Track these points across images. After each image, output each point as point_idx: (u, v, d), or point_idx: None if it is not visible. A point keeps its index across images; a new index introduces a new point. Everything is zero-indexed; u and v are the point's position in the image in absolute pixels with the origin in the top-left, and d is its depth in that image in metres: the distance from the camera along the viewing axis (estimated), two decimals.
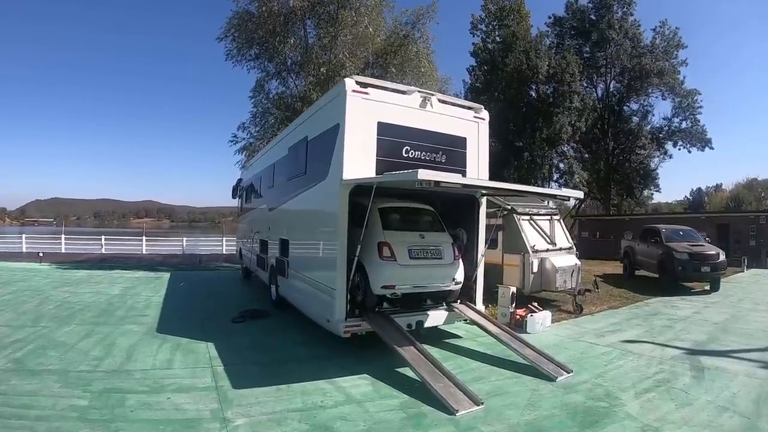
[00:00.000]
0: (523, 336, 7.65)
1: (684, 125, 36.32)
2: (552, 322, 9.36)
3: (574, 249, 12.53)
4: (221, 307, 10.54)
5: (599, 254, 23.89)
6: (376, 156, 6.98)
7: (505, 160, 30.30)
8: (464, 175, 7.62)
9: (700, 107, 35.72)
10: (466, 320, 8.08)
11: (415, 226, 7.72)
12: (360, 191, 6.72)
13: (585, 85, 36.43)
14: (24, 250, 24.13)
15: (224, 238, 27.83)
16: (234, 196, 17.93)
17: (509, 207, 11.40)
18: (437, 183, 5.25)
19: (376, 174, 6.78)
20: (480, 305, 8.30)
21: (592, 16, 36.82)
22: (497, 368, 6.63)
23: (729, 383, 6.10)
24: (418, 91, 7.52)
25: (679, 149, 37.05)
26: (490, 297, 9.24)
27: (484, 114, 8.32)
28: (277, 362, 6.71)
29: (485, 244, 8.42)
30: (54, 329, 8.10)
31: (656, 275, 15.48)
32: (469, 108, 8.23)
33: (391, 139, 7.11)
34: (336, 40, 18.93)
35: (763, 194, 74.11)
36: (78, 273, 16.32)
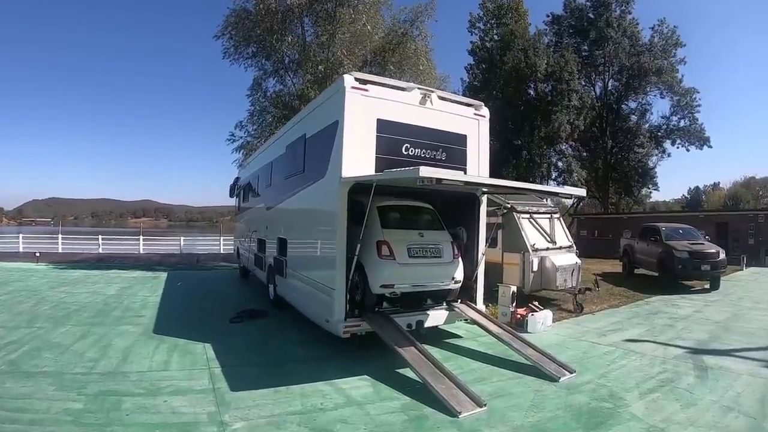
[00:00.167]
0: (525, 336, 7.57)
1: (682, 124, 36.25)
2: (553, 321, 9.28)
3: (574, 248, 12.46)
4: (219, 307, 10.45)
5: (598, 253, 23.88)
6: (376, 154, 6.89)
7: (503, 159, 30.22)
8: (465, 173, 7.53)
9: (699, 106, 35.66)
10: (466, 320, 7.99)
11: (415, 224, 7.64)
12: (359, 189, 6.62)
13: (583, 83, 36.32)
14: (21, 249, 23.96)
15: (222, 238, 27.69)
16: (231, 195, 17.83)
17: (509, 205, 11.32)
18: (439, 180, 5.17)
19: (376, 172, 6.68)
20: (480, 305, 8.22)
21: (591, 15, 36.68)
22: (499, 368, 6.55)
23: (733, 383, 6.05)
24: (418, 88, 7.43)
25: (678, 148, 37.05)
26: (490, 296, 9.16)
27: (485, 111, 8.23)
28: (276, 363, 6.62)
29: (486, 242, 8.34)
30: (49, 330, 8.00)
31: (656, 274, 15.46)
32: (470, 105, 8.14)
33: (391, 137, 7.02)
34: (334, 38, 18.81)
35: (761, 192, 74.20)
36: (75, 273, 16.21)
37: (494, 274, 10.37)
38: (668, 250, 14.47)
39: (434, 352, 6.58)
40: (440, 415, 4.87)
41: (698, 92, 35.62)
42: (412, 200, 7.88)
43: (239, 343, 7.53)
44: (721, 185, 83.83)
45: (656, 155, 38.23)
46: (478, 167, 8.00)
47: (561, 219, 12.94)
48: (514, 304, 9.15)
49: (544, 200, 12.98)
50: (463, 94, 32.80)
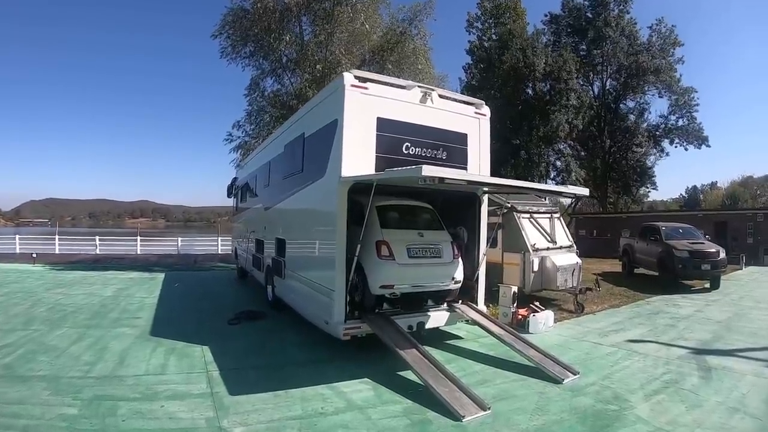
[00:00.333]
0: (526, 336, 7.50)
1: (681, 123, 36.30)
2: (554, 321, 9.21)
3: (575, 247, 12.39)
4: (217, 308, 10.35)
5: (597, 252, 23.83)
6: (376, 153, 6.81)
7: (502, 159, 30.15)
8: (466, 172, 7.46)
9: (697, 105, 35.73)
10: (467, 321, 7.91)
11: (414, 224, 7.56)
12: (359, 189, 6.54)
13: (581, 82, 36.28)
14: (18, 250, 23.84)
15: (219, 238, 27.57)
16: (229, 196, 17.71)
17: (509, 205, 11.24)
18: (441, 180, 5.08)
19: (376, 171, 6.60)
20: (482, 305, 8.14)
21: (589, 14, 36.69)
22: (502, 370, 6.47)
23: (737, 383, 5.99)
24: (419, 86, 7.34)
25: (676, 147, 37.08)
26: (491, 296, 9.06)
27: (485, 110, 8.16)
28: (275, 366, 6.51)
29: (487, 242, 8.26)
30: (45, 333, 7.90)
31: (656, 273, 15.42)
32: (470, 104, 8.07)
33: (391, 136, 6.93)
34: (332, 37, 18.75)
35: (758, 192, 74.33)
36: (71, 274, 16.11)
37: (494, 274, 10.28)
38: (668, 249, 14.42)
39: (436, 353, 6.50)
40: (444, 419, 4.78)
41: (696, 91, 35.72)
42: (411, 200, 7.80)
43: (237, 346, 7.43)
44: (718, 184, 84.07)
45: (654, 154, 38.33)
46: (479, 166, 7.92)
47: (561, 218, 12.89)
48: (515, 305, 9.08)
49: (544, 199, 12.90)
50: (461, 94, 32.74)
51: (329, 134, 6.99)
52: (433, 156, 7.26)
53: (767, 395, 5.56)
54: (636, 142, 36.79)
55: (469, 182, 6.42)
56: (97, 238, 26.80)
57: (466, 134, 7.81)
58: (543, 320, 8.83)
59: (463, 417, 4.75)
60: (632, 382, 6.03)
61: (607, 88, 38.15)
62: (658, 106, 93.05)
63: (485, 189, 8.07)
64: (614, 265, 19.27)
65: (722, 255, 14.16)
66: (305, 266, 8.18)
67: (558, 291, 11.29)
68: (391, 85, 7.19)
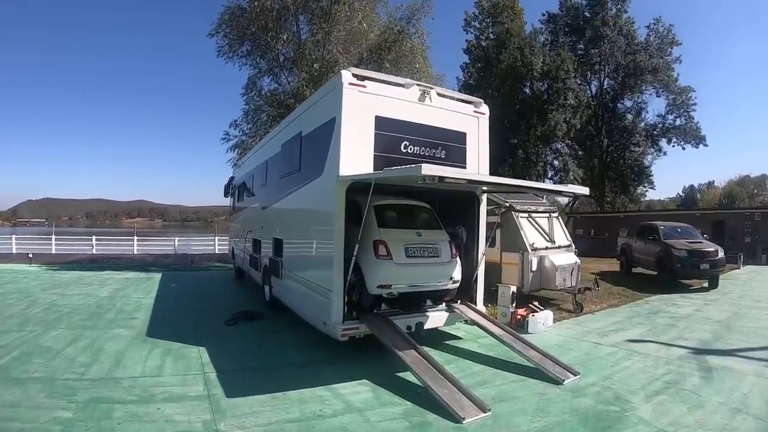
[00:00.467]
0: (526, 337, 7.45)
1: (678, 122, 36.36)
2: (553, 321, 9.16)
3: (573, 247, 12.35)
4: (213, 308, 10.26)
5: (594, 252, 23.82)
6: (374, 151, 6.74)
7: (499, 158, 30.11)
8: None
9: (695, 104, 35.80)
10: (466, 321, 7.85)
11: (412, 223, 7.50)
12: (357, 188, 6.48)
13: (579, 82, 36.20)
14: (14, 251, 23.73)
15: (217, 238, 27.49)
16: (226, 195, 17.66)
17: (507, 204, 11.19)
18: (441, 179, 5.02)
19: (374, 170, 6.54)
20: (481, 305, 8.08)
21: (586, 13, 36.68)
22: (501, 371, 6.41)
23: (739, 383, 5.96)
24: (417, 85, 7.28)
25: (674, 146, 37.15)
26: (489, 296, 9.00)
27: (484, 109, 8.10)
28: (272, 367, 6.44)
29: (486, 242, 8.21)
30: (40, 334, 7.80)
31: (654, 272, 15.40)
32: (469, 102, 8.02)
33: (389, 134, 6.87)
34: (329, 36, 18.66)
35: (755, 191, 74.49)
36: (68, 274, 16.00)
37: (493, 273, 10.24)
38: (667, 248, 14.40)
39: (434, 354, 6.46)
40: (444, 421, 4.71)
41: (694, 91, 35.79)
42: (409, 199, 7.74)
43: (234, 347, 7.36)
44: (715, 183, 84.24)
45: (652, 154, 38.37)
46: (478, 165, 7.86)
47: (559, 218, 12.85)
48: (513, 305, 9.03)
49: (542, 198, 12.86)
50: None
51: (327, 133, 6.92)
52: (431, 155, 7.20)
53: None
54: (633, 141, 36.81)
55: (469, 181, 6.37)
56: (94, 238, 26.69)
57: (465, 133, 7.75)
58: (542, 320, 8.78)
59: (464, 419, 4.68)
60: (633, 382, 5.98)
61: (605, 87, 38.17)
62: (655, 106, 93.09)
63: (484, 188, 8.01)
64: (612, 265, 19.27)
65: (721, 254, 14.16)
66: (303, 266, 8.11)
67: (557, 291, 11.24)
68: (390, 83, 7.12)
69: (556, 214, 12.62)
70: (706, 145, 36.06)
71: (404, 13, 19.66)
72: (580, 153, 38.84)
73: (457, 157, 7.57)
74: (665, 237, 15.13)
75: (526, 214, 11.59)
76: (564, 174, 32.59)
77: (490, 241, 8.76)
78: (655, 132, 37.31)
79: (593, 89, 38.52)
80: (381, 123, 6.80)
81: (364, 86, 6.70)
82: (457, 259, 7.48)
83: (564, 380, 5.92)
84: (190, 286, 14.01)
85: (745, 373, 6.34)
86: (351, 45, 19.05)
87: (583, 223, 32.29)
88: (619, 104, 38.02)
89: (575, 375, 6.11)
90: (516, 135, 31.37)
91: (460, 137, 7.69)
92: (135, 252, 25.64)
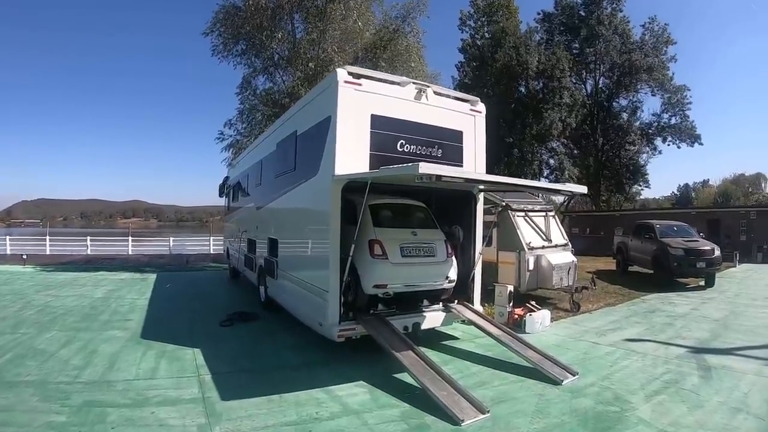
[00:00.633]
0: (523, 336, 7.40)
1: (673, 121, 36.39)
2: (550, 321, 9.12)
3: (570, 245, 12.31)
4: (209, 309, 10.20)
5: (590, 250, 23.77)
6: (370, 150, 6.68)
7: (495, 157, 30.12)
8: None
9: (690, 103, 35.82)
10: (463, 321, 7.79)
11: (407, 223, 7.44)
12: (353, 187, 6.41)
13: (574, 81, 36.24)
14: (8, 252, 23.55)
15: (212, 238, 27.36)
16: (221, 195, 17.57)
17: (504, 203, 11.15)
18: (439, 177, 4.96)
19: (370, 169, 6.47)
20: (478, 305, 8.04)
21: (582, 12, 36.69)
22: (500, 372, 6.36)
23: (738, 383, 5.93)
24: (413, 83, 7.22)
25: (669, 145, 37.14)
26: (486, 296, 8.94)
27: (481, 107, 8.05)
28: (268, 369, 6.36)
29: (483, 241, 8.15)
30: (34, 336, 7.72)
31: (650, 271, 15.40)
32: (466, 101, 7.95)
33: (385, 133, 6.81)
34: (324, 34, 18.58)
35: (750, 189, 74.77)
36: (62, 275, 15.90)
37: (489, 273, 10.21)
38: (663, 247, 14.40)
39: (432, 355, 6.39)
40: (442, 423, 4.66)
41: (689, 89, 35.82)
42: (404, 198, 7.68)
43: (230, 348, 7.28)
44: (710, 182, 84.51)
45: (647, 152, 38.40)
46: (474, 164, 7.82)
47: (556, 217, 12.82)
48: (510, 304, 8.98)
49: (537, 197, 12.82)
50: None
51: (322, 131, 6.85)
52: (428, 154, 7.15)
53: None
54: (629, 140, 36.90)
55: (467, 180, 6.31)
56: (89, 238, 26.51)
57: (462, 131, 7.70)
58: (539, 320, 8.74)
59: (462, 421, 4.63)
60: (632, 382, 5.94)
61: (600, 86, 38.19)
62: (650, 104, 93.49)
63: (481, 187, 7.96)
64: (608, 263, 19.28)
65: (717, 252, 14.18)
66: (298, 266, 8.04)
67: (554, 290, 11.21)
68: (386, 81, 7.05)
69: (552, 213, 12.59)
70: (701, 144, 36.18)
71: (399, 12, 19.61)
72: (576, 152, 38.90)
73: (454, 156, 7.51)
74: (661, 235, 15.12)
75: (522, 213, 11.54)
76: (559, 173, 32.66)
77: (487, 241, 8.71)
78: (650, 131, 37.33)
79: (588, 88, 38.56)
80: (377, 121, 6.74)
81: (359, 84, 6.63)
82: (453, 258, 7.43)
83: (563, 380, 5.88)
84: (185, 286, 13.92)
85: (745, 372, 6.32)
86: (346, 44, 18.97)
87: (578, 221, 32.29)
88: (614, 103, 38.05)
89: (574, 375, 6.07)
90: (511, 134, 31.40)
91: (457, 136, 7.63)
92: (130, 252, 25.48)
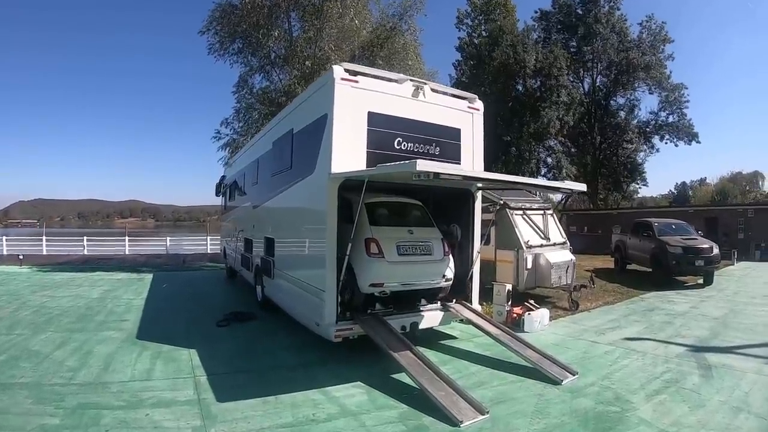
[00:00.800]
0: (522, 335, 7.34)
1: (671, 119, 36.39)
2: (549, 319, 9.06)
3: (568, 244, 12.27)
4: (205, 309, 10.13)
5: (588, 249, 23.72)
6: (367, 148, 6.61)
7: (492, 155, 30.07)
8: None
9: (687, 101, 35.80)
10: (462, 320, 7.73)
11: (404, 221, 7.38)
12: (350, 186, 6.34)
13: (572, 79, 36.21)
14: (5, 252, 23.46)
15: (209, 237, 27.27)
16: (217, 194, 17.48)
17: (502, 201, 11.10)
18: (437, 175, 4.89)
19: (367, 167, 6.41)
20: (476, 304, 7.97)
21: (579, 11, 36.64)
22: (498, 372, 6.30)
23: (739, 382, 5.88)
24: (411, 80, 7.13)
25: (666, 143, 37.16)
26: (484, 295, 8.88)
27: (479, 104, 7.98)
28: (264, 370, 6.29)
29: (481, 240, 8.09)
30: (29, 337, 7.64)
31: (649, 269, 15.36)
32: (463, 98, 7.87)
33: (383, 131, 6.73)
34: (321, 33, 18.46)
35: (747, 188, 74.87)
36: (58, 276, 15.80)
37: (487, 272, 10.14)
38: (662, 245, 14.37)
39: (430, 355, 6.34)
40: (441, 425, 4.59)
41: (686, 88, 35.78)
42: (401, 197, 7.61)
43: (226, 349, 7.21)
44: (707, 180, 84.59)
45: (644, 151, 38.40)
46: (472, 162, 7.76)
47: (554, 215, 12.77)
48: (509, 303, 8.93)
49: (535, 195, 12.77)
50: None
51: (319, 129, 6.77)
52: (425, 151, 7.08)
53: None
54: (626, 138, 36.81)
55: (465, 178, 6.25)
56: (85, 238, 26.44)
57: (460, 129, 7.63)
58: (538, 319, 8.68)
59: (461, 422, 4.57)
60: (632, 381, 5.89)
61: (598, 84, 38.14)
62: (648, 103, 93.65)
63: (479, 185, 7.89)
64: (606, 262, 19.26)
65: (716, 251, 14.15)
66: (295, 266, 7.97)
67: (552, 288, 11.17)
68: (383, 78, 6.97)
69: (550, 211, 12.55)
70: (698, 142, 36.13)
71: (397, 10, 19.50)
72: (573, 150, 38.91)
73: (452, 154, 7.45)
74: (660, 234, 15.09)
75: (520, 212, 11.49)
76: (557, 171, 32.65)
77: (485, 239, 8.65)
78: (647, 129, 37.35)
79: (586, 86, 38.56)
80: (374, 119, 6.66)
81: (356, 81, 6.56)
82: (450, 256, 7.37)
83: (562, 380, 5.82)
84: (181, 286, 13.85)
85: (745, 371, 6.27)
86: (343, 42, 18.87)
87: (576, 220, 32.26)
88: (611, 101, 38.03)
89: (573, 375, 6.01)
90: (509, 132, 31.35)
91: (455, 133, 7.57)
92: (127, 252, 25.43)
